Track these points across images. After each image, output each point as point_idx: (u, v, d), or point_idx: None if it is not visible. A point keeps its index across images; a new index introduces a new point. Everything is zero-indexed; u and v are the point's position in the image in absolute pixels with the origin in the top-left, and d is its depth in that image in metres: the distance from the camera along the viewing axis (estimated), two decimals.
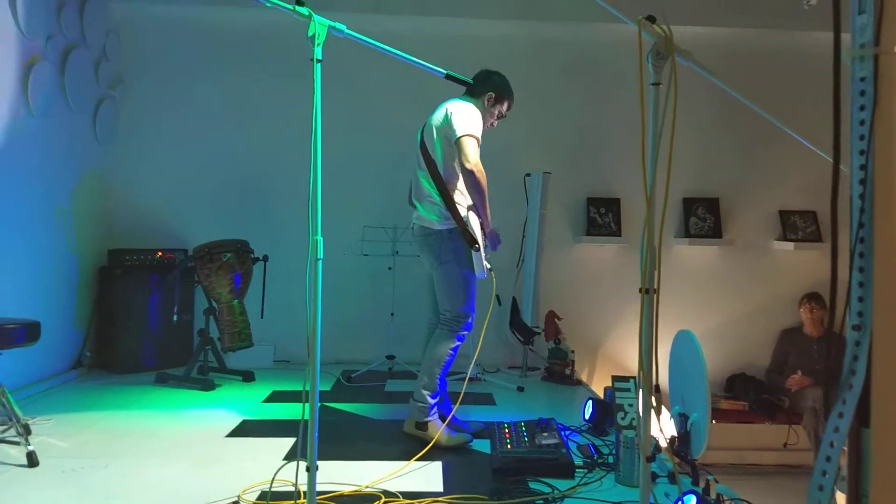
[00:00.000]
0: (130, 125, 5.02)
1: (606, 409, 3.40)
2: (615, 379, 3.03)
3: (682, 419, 2.81)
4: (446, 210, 3.05)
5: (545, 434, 3.05)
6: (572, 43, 5.19)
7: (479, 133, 3.04)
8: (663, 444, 2.66)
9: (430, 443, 3.01)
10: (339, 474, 2.72)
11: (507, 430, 3.13)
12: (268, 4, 2.00)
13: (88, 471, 2.77)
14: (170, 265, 4.67)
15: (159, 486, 2.65)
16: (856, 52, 1.14)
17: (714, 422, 4.61)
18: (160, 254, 4.73)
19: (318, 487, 2.07)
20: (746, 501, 2.33)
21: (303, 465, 2.02)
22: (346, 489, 2.58)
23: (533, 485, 2.68)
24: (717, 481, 2.49)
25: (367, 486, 2.62)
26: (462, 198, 3.09)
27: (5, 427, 3.01)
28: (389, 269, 4.61)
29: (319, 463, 2.05)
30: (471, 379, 3.79)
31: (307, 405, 2.03)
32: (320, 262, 2.03)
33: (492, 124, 3.30)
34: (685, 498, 2.17)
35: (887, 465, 1.08)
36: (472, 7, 4.91)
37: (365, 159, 4.96)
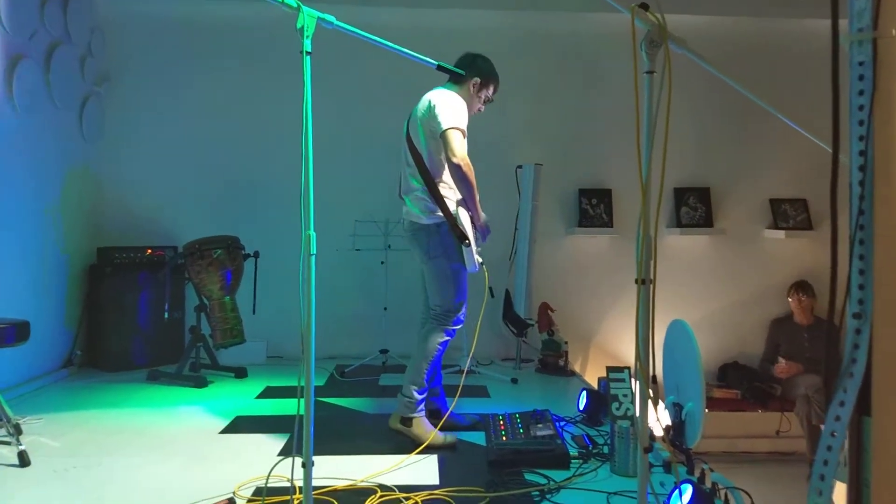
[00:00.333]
0: (117, 122, 4.97)
1: (601, 400, 3.40)
2: (609, 369, 3.03)
3: (676, 409, 2.81)
4: (434, 204, 3.01)
5: (540, 425, 3.05)
6: (563, 34, 5.17)
7: (464, 124, 2.98)
8: (659, 433, 2.66)
9: (419, 440, 2.98)
10: (333, 469, 2.71)
11: (501, 422, 3.13)
12: None
13: (80, 470, 2.75)
14: (160, 262, 4.64)
15: (152, 483, 2.63)
16: (854, 36, 1.13)
17: (707, 410, 4.62)
18: (150, 251, 4.69)
19: (314, 483, 2.06)
20: (741, 490, 2.33)
21: (298, 460, 2.00)
22: (341, 484, 2.58)
23: (528, 476, 2.68)
24: (712, 470, 2.49)
25: (362, 481, 2.62)
26: (450, 191, 3.04)
27: None
28: (382, 263, 4.59)
29: (314, 458, 2.03)
30: (465, 371, 3.78)
31: (302, 401, 2.01)
32: (314, 258, 2.01)
33: (479, 109, 3.25)
34: (682, 487, 2.18)
35: (889, 454, 1.08)
36: None
37: (356, 153, 4.93)
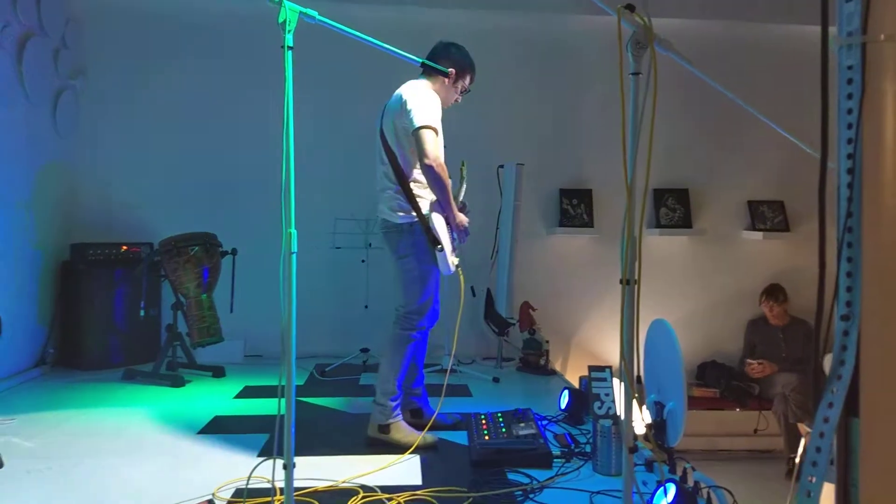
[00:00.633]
0: (93, 116, 4.87)
1: (582, 399, 3.41)
2: (591, 368, 3.04)
3: (658, 408, 2.83)
4: (407, 203, 2.93)
5: (522, 424, 3.04)
6: (546, 34, 5.17)
7: (437, 122, 2.88)
8: (640, 432, 2.67)
9: (400, 445, 2.93)
10: (314, 470, 2.68)
11: (484, 422, 3.12)
12: None
13: (56, 471, 2.69)
14: (135, 259, 4.56)
15: (130, 485, 2.58)
16: (843, 40, 1.13)
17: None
18: (125, 248, 4.61)
19: (294, 484, 2.03)
20: (724, 488, 2.35)
21: (279, 462, 1.98)
22: (322, 485, 2.55)
23: (511, 476, 2.67)
24: (694, 469, 2.51)
25: (343, 482, 2.59)
26: (424, 190, 2.95)
27: None
28: (363, 261, 4.56)
29: (294, 458, 2.01)
30: (447, 371, 3.77)
31: (283, 400, 1.99)
32: (294, 256, 1.98)
33: (456, 100, 3.16)
34: (665, 486, 2.19)
35: (877, 455, 1.08)
36: None
37: (336, 150, 4.89)
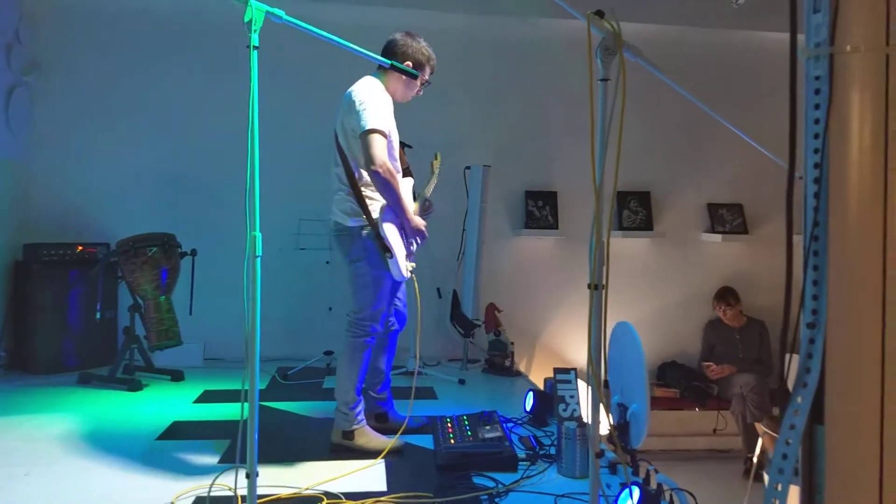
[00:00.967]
0: (47, 113, 4.72)
1: (547, 400, 3.43)
2: (557, 371, 3.05)
3: (621, 409, 2.85)
4: (357, 206, 2.84)
5: (488, 427, 3.04)
6: (513, 38, 5.19)
7: (385, 125, 2.78)
8: (604, 433, 2.69)
9: (365, 450, 2.90)
10: (277, 477, 2.64)
11: (449, 425, 3.10)
12: None
13: (7, 480, 2.59)
14: (91, 260, 4.43)
15: (86, 493, 2.50)
16: (811, 51, 1.15)
17: None
18: (81, 248, 4.48)
19: (257, 491, 1.99)
20: (686, 491, 2.38)
21: (242, 470, 1.94)
22: (286, 492, 2.51)
23: (477, 479, 2.66)
24: (657, 471, 2.53)
25: (307, 489, 2.55)
26: (375, 192, 2.85)
27: None
28: (327, 263, 4.51)
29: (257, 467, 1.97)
30: (412, 373, 3.75)
31: (246, 405, 1.95)
32: (259, 260, 1.94)
33: (418, 93, 3.07)
34: (630, 489, 2.20)
35: (841, 461, 1.10)
36: None
37: (300, 151, 4.81)
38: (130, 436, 3.18)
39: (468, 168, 4.86)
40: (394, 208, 2.84)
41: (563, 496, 2.52)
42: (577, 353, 5.26)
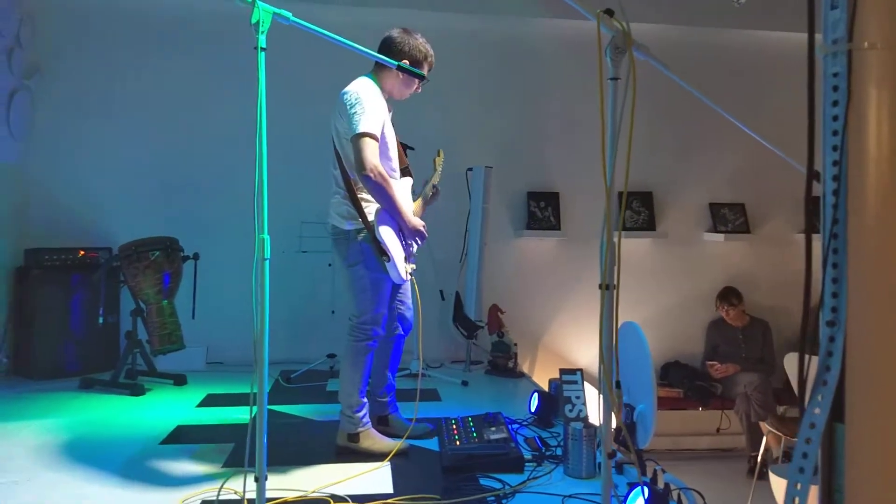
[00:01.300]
0: (49, 117, 4.70)
1: (552, 401, 3.42)
2: (563, 371, 3.04)
3: (627, 410, 2.84)
4: (353, 209, 2.81)
5: (493, 428, 3.03)
6: (514, 38, 5.19)
7: (377, 128, 2.73)
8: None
9: (370, 453, 2.88)
10: (283, 480, 2.63)
11: (454, 427, 3.09)
12: None
13: (10, 486, 2.57)
14: (93, 265, 4.42)
15: (89, 499, 2.48)
16: (829, 48, 1.14)
17: None
18: (83, 253, 4.46)
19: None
20: (694, 490, 2.37)
21: (250, 474, 1.93)
22: (292, 495, 2.49)
23: (484, 481, 2.65)
24: (664, 471, 2.52)
25: (313, 491, 2.54)
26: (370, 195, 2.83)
27: None
28: (329, 265, 4.50)
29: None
30: (415, 375, 3.74)
31: (255, 408, 1.94)
32: (267, 262, 1.93)
33: (416, 90, 3.02)
34: (642, 488, 2.19)
35: (861, 460, 1.10)
36: None
37: (303, 153, 4.80)
38: (134, 440, 3.16)
39: (470, 169, 4.86)
40: (390, 211, 2.81)
41: (570, 497, 2.51)
42: (581, 354, 5.26)
